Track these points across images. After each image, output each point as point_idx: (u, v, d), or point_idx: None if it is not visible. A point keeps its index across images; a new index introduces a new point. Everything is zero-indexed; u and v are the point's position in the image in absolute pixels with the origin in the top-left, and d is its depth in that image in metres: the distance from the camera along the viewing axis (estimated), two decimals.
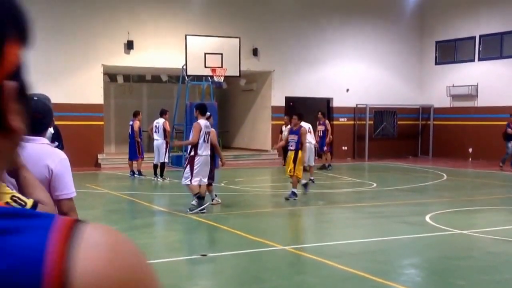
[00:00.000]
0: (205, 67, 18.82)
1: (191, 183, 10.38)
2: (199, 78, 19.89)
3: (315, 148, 15.91)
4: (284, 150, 20.28)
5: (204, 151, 10.47)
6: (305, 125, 15.47)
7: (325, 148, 18.87)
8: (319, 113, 19.22)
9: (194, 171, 10.35)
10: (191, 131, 10.70)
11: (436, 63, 25.44)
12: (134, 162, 16.30)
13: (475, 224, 9.94)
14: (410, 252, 8.14)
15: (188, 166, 10.42)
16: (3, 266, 0.59)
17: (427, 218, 10.21)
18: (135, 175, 16.20)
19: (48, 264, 0.59)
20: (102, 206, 11.58)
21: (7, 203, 2.02)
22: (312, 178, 15.21)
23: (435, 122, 25.28)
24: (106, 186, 13.84)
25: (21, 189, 2.41)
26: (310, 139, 15.35)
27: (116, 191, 13.11)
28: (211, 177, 11.07)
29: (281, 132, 20.28)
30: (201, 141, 10.42)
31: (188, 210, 10.39)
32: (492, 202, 12.28)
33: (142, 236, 8.73)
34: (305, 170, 15.94)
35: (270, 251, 7.91)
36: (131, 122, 16.17)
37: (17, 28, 0.67)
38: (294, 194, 12.11)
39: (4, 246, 0.60)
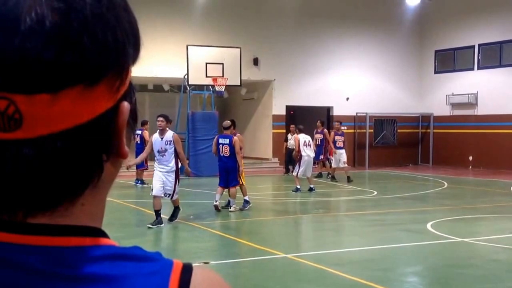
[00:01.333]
0: (206, 76, 18.93)
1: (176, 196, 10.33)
2: (200, 87, 20.02)
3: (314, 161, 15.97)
4: (286, 159, 20.32)
5: None
6: (304, 138, 15.47)
7: (321, 157, 18.84)
8: (318, 121, 19.23)
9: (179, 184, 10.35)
10: (175, 144, 10.16)
11: (436, 72, 25.54)
12: (140, 170, 16.43)
13: (476, 232, 9.94)
14: (412, 260, 8.14)
15: (177, 180, 10.16)
16: None
17: (429, 226, 10.22)
18: (138, 184, 16.31)
19: None
20: (106, 214, 11.56)
21: None
22: (312, 186, 15.21)
23: (435, 131, 25.33)
24: (109, 194, 13.87)
25: None
26: (309, 153, 15.35)
27: (120, 199, 13.13)
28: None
29: (286, 140, 20.34)
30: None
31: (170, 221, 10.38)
32: (494, 210, 12.27)
33: (146, 244, 8.75)
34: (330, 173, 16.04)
35: (272, 259, 7.92)
36: (139, 132, 16.22)
37: (134, 43, 0.65)
38: (247, 202, 12.06)
39: None
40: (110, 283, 0.60)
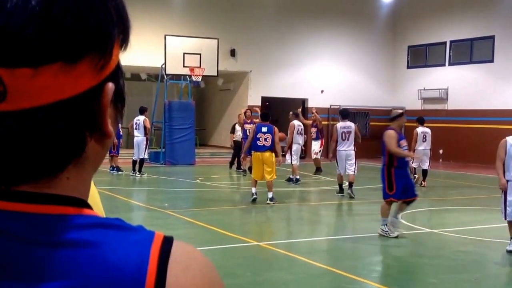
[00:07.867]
0: (184, 66, 18.96)
1: None
2: (177, 77, 20.05)
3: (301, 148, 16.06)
4: (234, 152, 19.71)
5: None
6: (299, 125, 15.55)
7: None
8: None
9: None
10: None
11: (408, 67, 25.91)
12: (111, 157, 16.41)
13: (445, 224, 10.11)
14: (381, 249, 8.26)
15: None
16: (105, 279, 0.60)
17: (399, 216, 10.38)
18: (114, 171, 16.30)
19: (148, 280, 0.62)
20: None
21: None
22: (297, 176, 15.13)
23: (406, 124, 25.47)
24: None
25: None
26: (299, 140, 15.41)
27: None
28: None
29: (233, 131, 18.95)
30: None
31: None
32: (462, 202, 12.49)
33: None
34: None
35: (244, 246, 8.01)
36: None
37: (121, 27, 0.66)
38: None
39: (107, 259, 0.61)
40: (91, 248, 0.61)
